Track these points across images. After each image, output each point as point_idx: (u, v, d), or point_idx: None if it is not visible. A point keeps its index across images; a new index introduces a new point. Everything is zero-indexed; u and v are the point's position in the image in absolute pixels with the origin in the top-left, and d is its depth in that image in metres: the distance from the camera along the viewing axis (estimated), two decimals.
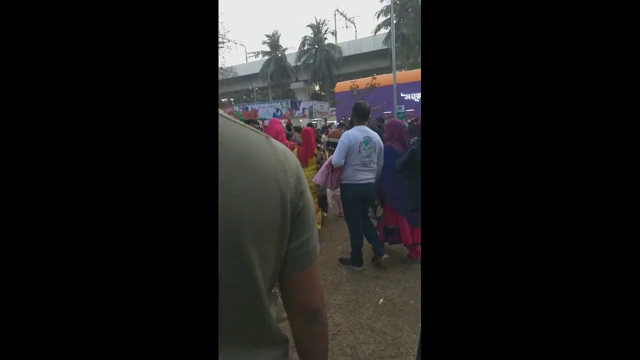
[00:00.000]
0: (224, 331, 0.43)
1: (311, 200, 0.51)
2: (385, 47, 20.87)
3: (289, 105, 15.29)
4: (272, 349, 0.51)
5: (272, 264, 0.47)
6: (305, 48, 26.71)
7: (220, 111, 0.44)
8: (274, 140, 0.49)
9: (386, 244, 2.94)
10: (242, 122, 0.47)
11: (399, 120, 3.32)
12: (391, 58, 8.84)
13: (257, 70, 27.57)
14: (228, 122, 0.45)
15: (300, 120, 12.59)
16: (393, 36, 8.87)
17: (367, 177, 2.62)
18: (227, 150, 0.42)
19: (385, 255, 2.74)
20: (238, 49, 43.68)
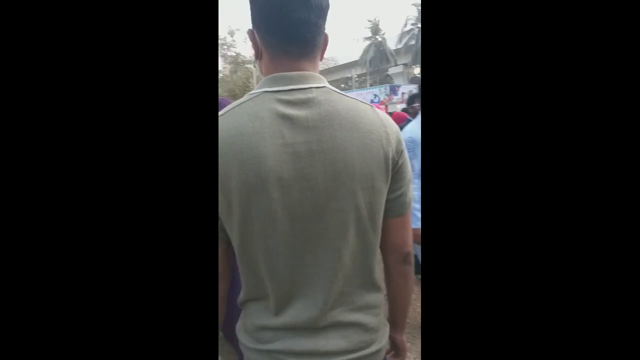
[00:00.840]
0: (341, 272, 0.56)
1: (408, 159, 0.61)
2: None
3: (388, 90, 14.89)
4: (374, 295, 0.61)
5: (376, 210, 0.57)
6: (408, 29, 25.33)
7: (334, 88, 0.58)
8: (378, 109, 0.60)
9: None
10: (352, 96, 0.59)
11: None
12: None
13: (357, 57, 27.55)
14: (341, 97, 0.57)
15: (398, 106, 12.18)
16: None
17: None
18: (342, 118, 0.54)
19: None
20: (340, 36, 44.00)
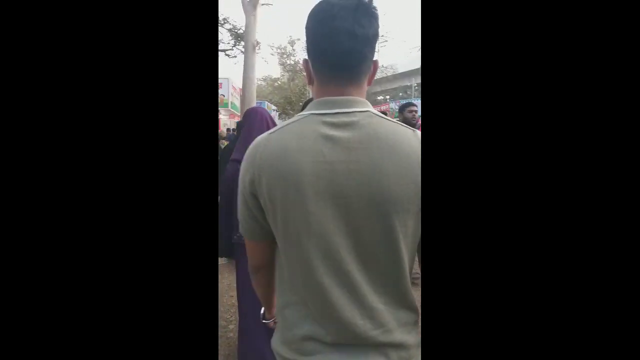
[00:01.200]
0: (370, 287, 0.59)
1: None
2: None
3: None
4: (407, 313, 0.63)
5: (411, 232, 0.60)
6: None
7: (378, 112, 0.62)
8: (419, 132, 0.61)
9: None
10: (393, 120, 0.61)
11: None
12: None
13: (418, 65, 26.48)
14: (383, 121, 0.61)
15: None
16: None
17: None
18: (381, 141, 0.58)
19: None
20: (400, 45, 43.28)
